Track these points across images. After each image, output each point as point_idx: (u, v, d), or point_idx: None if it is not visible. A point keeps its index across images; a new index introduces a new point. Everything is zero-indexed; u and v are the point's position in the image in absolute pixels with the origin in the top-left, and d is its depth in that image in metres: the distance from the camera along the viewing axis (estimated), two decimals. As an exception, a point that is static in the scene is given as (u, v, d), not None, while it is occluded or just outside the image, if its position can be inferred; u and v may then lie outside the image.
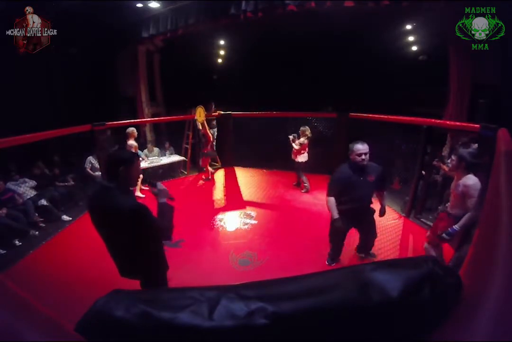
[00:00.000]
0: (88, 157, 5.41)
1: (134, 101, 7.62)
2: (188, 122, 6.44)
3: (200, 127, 5.60)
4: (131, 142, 5.04)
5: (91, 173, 5.45)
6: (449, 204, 2.63)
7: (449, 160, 2.52)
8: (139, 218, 1.52)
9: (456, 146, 3.50)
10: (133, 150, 5.01)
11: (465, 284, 0.57)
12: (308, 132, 4.82)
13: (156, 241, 1.77)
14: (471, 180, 2.31)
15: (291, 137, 4.94)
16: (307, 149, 4.91)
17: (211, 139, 5.64)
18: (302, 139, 4.82)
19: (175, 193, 5.24)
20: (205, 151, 5.71)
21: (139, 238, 1.59)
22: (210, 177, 5.90)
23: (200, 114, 5.57)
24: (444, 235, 2.41)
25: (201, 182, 5.88)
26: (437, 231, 2.60)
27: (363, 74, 7.64)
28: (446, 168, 3.59)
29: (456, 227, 2.36)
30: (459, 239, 3.02)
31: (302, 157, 4.94)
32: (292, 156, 5.02)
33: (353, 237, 3.52)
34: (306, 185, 5.13)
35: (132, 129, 5.09)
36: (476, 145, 3.34)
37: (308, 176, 5.94)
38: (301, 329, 0.50)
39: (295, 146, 4.87)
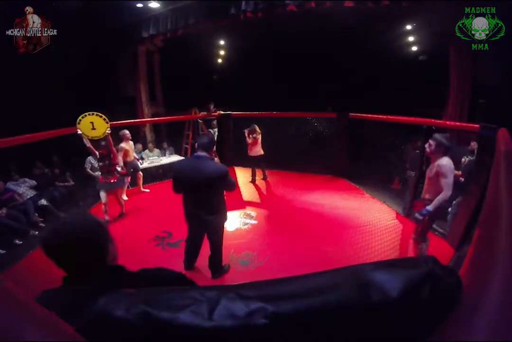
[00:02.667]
0: (88, 158, 5.41)
1: (134, 101, 7.63)
2: (188, 122, 6.45)
3: (88, 145, 3.96)
4: (122, 145, 4.81)
5: (91, 173, 5.45)
6: (423, 190, 2.70)
7: (426, 145, 2.57)
8: (227, 175, 2.34)
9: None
10: (121, 154, 4.76)
11: (465, 284, 0.57)
12: (258, 130, 5.36)
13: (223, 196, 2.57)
14: (445, 161, 2.41)
15: (246, 131, 5.41)
16: (259, 144, 5.41)
17: (117, 161, 4.22)
18: (254, 135, 5.33)
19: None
20: (108, 182, 3.98)
21: (223, 189, 2.48)
22: (124, 212, 4.28)
23: (94, 125, 3.96)
24: (416, 215, 2.46)
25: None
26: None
27: (363, 74, 7.65)
28: (459, 173, 3.56)
29: (428, 207, 2.40)
30: (459, 238, 3.03)
31: (255, 152, 5.42)
32: (248, 152, 5.47)
33: (354, 237, 3.53)
34: (253, 177, 5.69)
35: (123, 132, 4.85)
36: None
37: (309, 176, 5.95)
38: (301, 329, 0.50)
39: (248, 140, 5.36)
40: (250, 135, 5.33)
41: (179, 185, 2.43)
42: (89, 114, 4.00)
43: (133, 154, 5.09)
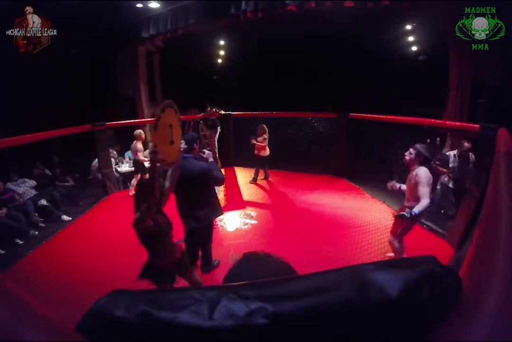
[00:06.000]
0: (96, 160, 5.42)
1: (134, 101, 7.63)
2: (188, 122, 6.45)
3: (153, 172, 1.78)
4: (138, 145, 4.94)
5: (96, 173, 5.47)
6: (406, 198, 2.76)
7: (406, 153, 2.65)
8: (211, 172, 2.43)
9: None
10: (142, 155, 4.95)
11: (465, 284, 0.57)
12: (266, 129, 5.35)
13: (214, 191, 2.67)
14: (422, 170, 2.50)
15: (253, 139, 5.33)
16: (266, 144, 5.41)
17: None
18: (265, 136, 5.29)
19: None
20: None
21: (210, 185, 2.52)
22: None
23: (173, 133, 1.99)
24: (405, 213, 2.45)
25: None
26: (398, 224, 2.72)
27: (363, 74, 7.64)
28: (445, 171, 3.61)
29: (415, 210, 2.42)
30: (459, 238, 3.03)
31: (267, 152, 5.41)
32: (256, 152, 5.42)
33: (354, 237, 3.53)
34: (266, 175, 5.76)
35: (139, 131, 5.00)
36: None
37: (309, 176, 5.96)
38: (301, 329, 0.50)
39: (263, 143, 5.32)
40: (260, 139, 5.30)
41: None
42: (169, 105, 1.89)
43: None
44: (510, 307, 0.52)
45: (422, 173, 2.48)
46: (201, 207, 2.56)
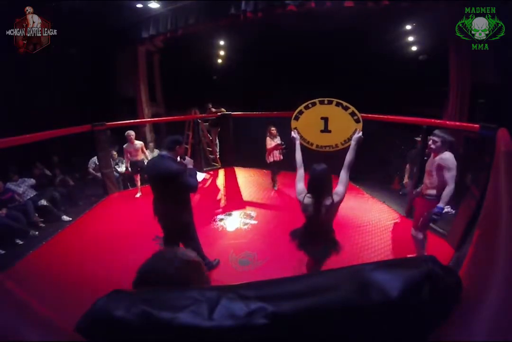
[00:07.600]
0: (92, 158, 5.42)
1: (134, 102, 7.62)
2: (188, 122, 6.45)
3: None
4: (124, 146, 4.95)
5: (94, 173, 5.47)
6: (422, 186, 2.74)
7: (430, 142, 2.61)
8: (178, 176, 2.31)
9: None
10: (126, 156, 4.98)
11: (465, 284, 0.57)
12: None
13: (187, 194, 2.56)
14: (448, 154, 2.49)
15: (269, 133, 5.05)
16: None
17: None
18: (279, 138, 5.05)
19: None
20: None
21: (179, 189, 2.40)
22: None
23: (328, 124, 2.44)
24: (433, 216, 2.47)
25: None
26: (419, 216, 2.70)
27: (363, 74, 7.63)
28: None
29: (440, 205, 2.43)
30: (459, 238, 3.03)
31: (277, 156, 5.14)
32: (272, 158, 5.09)
33: (354, 237, 3.53)
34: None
35: (126, 133, 4.88)
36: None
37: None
38: (301, 329, 0.50)
39: (270, 143, 5.04)
40: (277, 141, 5.00)
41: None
42: (321, 102, 2.20)
43: (141, 154, 5.04)
44: (510, 307, 0.51)
45: (449, 157, 2.46)
46: (168, 209, 2.49)
